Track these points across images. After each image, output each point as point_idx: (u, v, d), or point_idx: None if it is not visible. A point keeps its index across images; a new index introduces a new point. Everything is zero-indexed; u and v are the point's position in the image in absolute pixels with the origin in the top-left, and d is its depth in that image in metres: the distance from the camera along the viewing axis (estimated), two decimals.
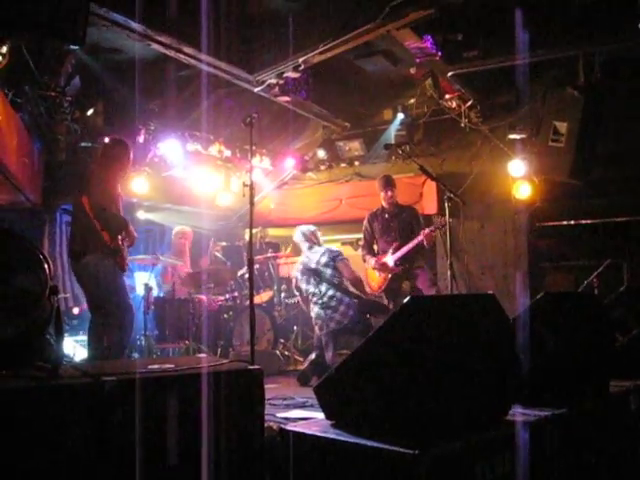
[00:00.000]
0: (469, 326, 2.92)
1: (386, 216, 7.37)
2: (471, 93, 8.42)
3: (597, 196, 8.23)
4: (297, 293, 7.56)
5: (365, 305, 6.99)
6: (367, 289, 7.39)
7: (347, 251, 10.32)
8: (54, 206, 8.24)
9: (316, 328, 7.03)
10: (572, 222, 8.74)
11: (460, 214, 7.14)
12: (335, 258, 7.06)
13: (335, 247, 7.48)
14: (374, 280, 7.32)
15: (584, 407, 3.46)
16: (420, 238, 6.90)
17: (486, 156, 9.11)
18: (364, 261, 7.50)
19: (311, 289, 7.09)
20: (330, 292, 6.91)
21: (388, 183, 7.33)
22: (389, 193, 7.29)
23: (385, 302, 7.30)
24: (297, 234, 7.53)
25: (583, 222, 8.65)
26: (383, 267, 7.19)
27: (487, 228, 9.06)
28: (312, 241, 7.39)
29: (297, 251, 11.35)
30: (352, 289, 7.08)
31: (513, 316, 3.43)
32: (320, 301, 6.95)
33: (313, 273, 7.10)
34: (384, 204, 7.37)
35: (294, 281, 7.40)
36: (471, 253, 9.03)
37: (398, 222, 7.27)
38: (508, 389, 3.11)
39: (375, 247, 7.50)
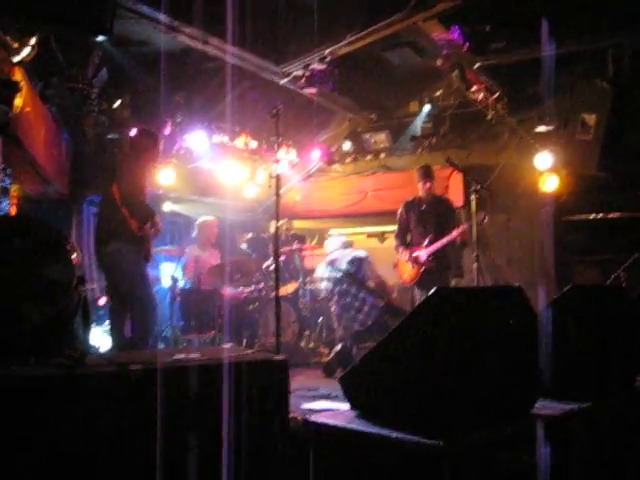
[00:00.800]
0: (496, 318, 2.90)
1: (423, 207, 7.28)
2: (498, 85, 8.35)
3: (625, 189, 8.13)
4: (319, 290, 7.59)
5: (390, 309, 7.00)
6: (399, 280, 7.39)
7: (372, 243, 10.35)
8: (81, 197, 8.30)
9: (338, 326, 7.08)
10: (599, 216, 8.64)
11: (487, 207, 7.08)
12: (362, 259, 7.09)
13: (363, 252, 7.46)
14: (406, 272, 7.27)
15: (610, 401, 3.43)
16: (454, 235, 6.85)
17: (513, 149, 9.04)
18: (397, 251, 7.44)
19: (331, 286, 7.13)
20: (353, 290, 6.95)
21: (427, 174, 7.24)
22: (427, 184, 7.20)
23: (417, 295, 7.26)
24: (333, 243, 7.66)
25: (610, 216, 8.56)
26: (416, 261, 7.16)
27: (513, 221, 8.99)
28: (341, 247, 7.51)
29: (322, 243, 11.41)
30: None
31: (540, 309, 3.41)
32: (342, 301, 6.97)
33: (336, 271, 7.15)
34: (421, 194, 7.28)
35: (314, 277, 7.43)
36: (497, 246, 8.98)
37: (434, 214, 7.20)
38: (534, 382, 3.09)
39: (408, 237, 7.46)
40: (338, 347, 6.98)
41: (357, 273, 7.09)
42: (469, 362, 2.68)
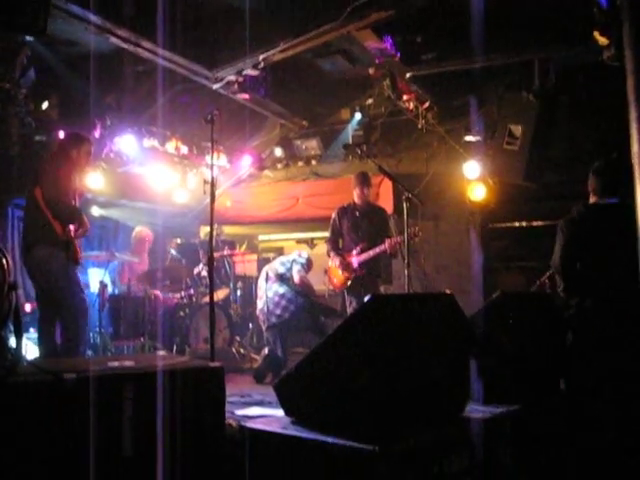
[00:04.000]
0: (428, 325, 2.96)
1: (357, 213, 7.29)
2: (428, 95, 8.50)
3: (550, 199, 8.37)
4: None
5: (314, 305, 7.10)
6: (328, 285, 7.46)
7: (302, 249, 10.38)
8: (6, 201, 8.08)
9: (261, 324, 7.27)
10: (524, 224, 8.88)
11: (417, 214, 7.19)
12: (293, 260, 7.18)
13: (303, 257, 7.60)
14: (336, 277, 7.30)
15: (537, 404, 3.54)
16: (383, 247, 6.91)
17: (442, 157, 9.21)
18: (328, 256, 7.47)
19: (262, 284, 7.34)
20: (275, 287, 7.16)
21: (365, 180, 7.26)
22: (365, 191, 7.22)
23: (347, 301, 7.32)
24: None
25: (534, 224, 8.80)
26: (347, 267, 7.20)
27: (442, 228, 9.16)
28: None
29: (252, 248, 11.39)
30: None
31: (469, 315, 3.49)
32: (264, 296, 7.18)
33: (269, 271, 7.36)
34: (357, 201, 7.27)
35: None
36: (426, 253, 9.13)
37: (368, 221, 7.24)
38: (465, 386, 3.17)
39: (340, 242, 7.50)
40: (265, 351, 7.11)
41: (284, 272, 7.24)
42: (402, 368, 2.73)
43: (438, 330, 3.01)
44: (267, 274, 7.44)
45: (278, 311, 7.03)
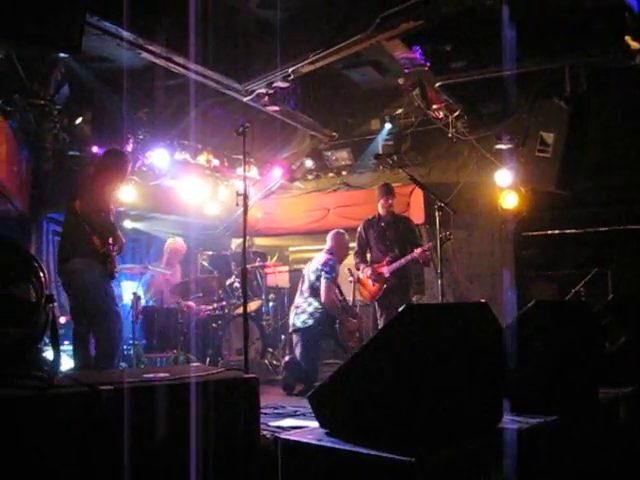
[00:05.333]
0: (464, 335, 2.94)
1: (382, 224, 7.36)
2: (458, 103, 8.46)
3: (583, 206, 8.29)
4: None
5: (329, 316, 7.07)
6: (359, 296, 7.43)
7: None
8: (41, 215, 8.18)
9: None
10: (557, 232, 8.80)
11: (449, 224, 7.17)
12: (322, 272, 7.08)
13: (329, 261, 7.28)
14: (367, 289, 7.32)
15: (574, 415, 3.49)
16: (415, 255, 6.91)
17: (473, 166, 9.17)
18: (357, 269, 7.49)
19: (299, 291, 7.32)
20: (306, 295, 7.10)
21: (388, 191, 7.33)
22: (389, 201, 7.29)
23: (378, 312, 7.31)
24: None
25: (567, 232, 8.71)
26: (378, 277, 7.20)
27: (474, 237, 9.11)
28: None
29: (283, 260, 11.41)
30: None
31: (503, 324, 3.46)
32: (296, 302, 7.20)
33: (306, 273, 7.30)
34: (381, 212, 7.35)
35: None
36: (459, 262, 9.08)
37: (394, 231, 7.27)
38: (501, 397, 3.14)
39: (368, 255, 7.51)
40: (286, 358, 7.14)
41: (314, 281, 7.15)
42: (439, 378, 2.71)
43: (474, 340, 2.98)
44: (304, 276, 7.39)
45: (303, 316, 6.99)
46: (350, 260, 7.75)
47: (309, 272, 7.20)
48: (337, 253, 7.28)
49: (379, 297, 7.22)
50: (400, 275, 7.11)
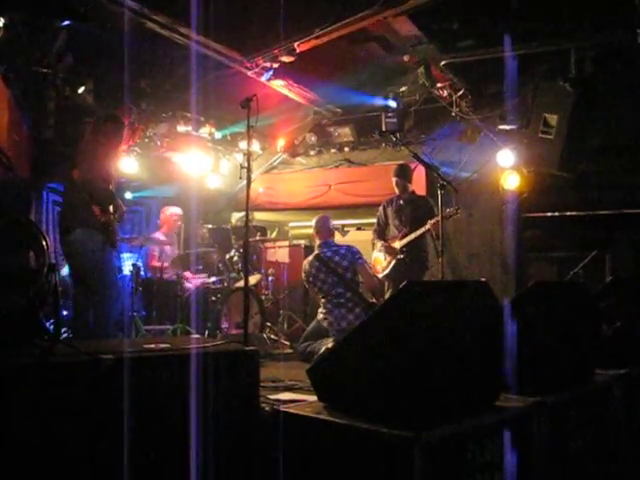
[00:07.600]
0: (463, 312, 2.95)
1: (401, 202, 7.45)
2: (463, 82, 8.44)
3: (585, 189, 8.29)
4: (307, 286, 7.37)
5: (369, 309, 6.93)
6: (372, 272, 7.39)
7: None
8: (41, 184, 8.18)
9: (325, 323, 6.80)
10: (557, 214, 8.80)
11: (451, 203, 7.16)
12: (355, 261, 6.90)
13: (351, 247, 7.08)
14: (379, 263, 7.39)
15: (571, 394, 3.51)
16: (427, 227, 6.91)
17: (475, 145, 9.15)
18: (373, 245, 7.57)
19: (326, 287, 6.91)
20: (348, 295, 6.79)
21: (398, 173, 7.43)
22: (399, 183, 7.39)
23: (386, 286, 7.34)
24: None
25: (568, 214, 8.71)
26: (390, 250, 7.25)
27: (475, 217, 9.10)
28: (324, 235, 7.18)
29: (283, 235, 11.42)
30: (367, 295, 6.94)
31: (502, 304, 3.47)
32: (335, 300, 6.81)
33: (332, 272, 6.88)
34: (400, 193, 7.46)
35: (304, 275, 7.13)
36: (459, 241, 9.10)
37: (411, 210, 7.31)
38: (498, 374, 3.16)
39: (387, 233, 7.58)
40: (330, 344, 6.50)
41: (349, 274, 6.87)
42: (437, 354, 2.72)
43: (473, 317, 2.99)
44: (323, 273, 6.94)
45: (351, 317, 6.69)
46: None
47: (337, 267, 6.89)
48: (333, 235, 7.26)
49: (389, 271, 7.26)
50: (412, 253, 7.14)
